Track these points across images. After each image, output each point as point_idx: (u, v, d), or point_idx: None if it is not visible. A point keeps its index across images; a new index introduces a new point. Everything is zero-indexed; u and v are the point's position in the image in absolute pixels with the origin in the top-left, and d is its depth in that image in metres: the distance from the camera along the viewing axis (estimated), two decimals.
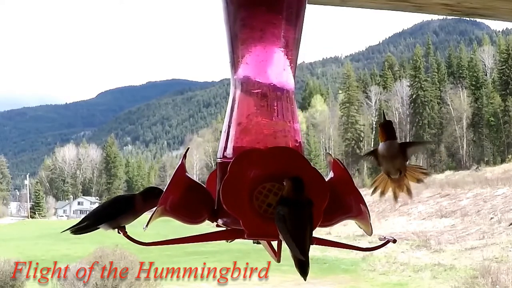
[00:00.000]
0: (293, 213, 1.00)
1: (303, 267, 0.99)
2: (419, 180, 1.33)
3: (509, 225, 35.83)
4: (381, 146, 1.28)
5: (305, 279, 1.00)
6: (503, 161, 69.14)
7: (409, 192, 1.32)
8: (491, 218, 39.34)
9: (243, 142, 1.18)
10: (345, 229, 34.04)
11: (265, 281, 28.89)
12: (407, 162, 1.31)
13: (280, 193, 1.07)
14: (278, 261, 1.11)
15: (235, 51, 1.22)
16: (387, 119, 1.30)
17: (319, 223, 1.09)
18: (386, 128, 1.28)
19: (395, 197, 1.34)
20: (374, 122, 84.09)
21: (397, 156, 1.27)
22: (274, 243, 1.14)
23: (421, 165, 1.36)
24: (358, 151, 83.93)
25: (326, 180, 1.15)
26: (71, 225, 1.26)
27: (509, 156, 69.79)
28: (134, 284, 21.10)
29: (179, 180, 1.15)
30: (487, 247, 32.04)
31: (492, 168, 64.98)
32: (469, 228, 38.49)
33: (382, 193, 1.34)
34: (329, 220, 1.15)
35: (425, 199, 52.02)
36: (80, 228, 1.22)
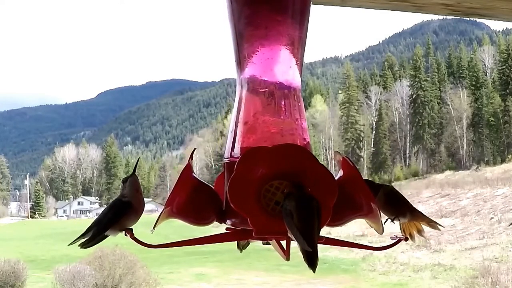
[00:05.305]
0: (300, 207, 1.00)
1: (311, 259, 0.97)
2: (419, 231, 1.30)
3: (509, 225, 35.81)
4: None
5: (314, 271, 0.97)
6: (503, 161, 69.11)
7: (420, 233, 1.30)
8: (491, 218, 39.34)
9: (249, 141, 1.17)
10: (345, 229, 34.03)
11: (265, 281, 28.92)
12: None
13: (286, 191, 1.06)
14: (287, 259, 1.10)
15: (240, 49, 1.21)
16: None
17: (329, 221, 1.08)
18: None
19: (411, 238, 1.31)
20: (374, 122, 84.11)
21: (384, 208, 1.24)
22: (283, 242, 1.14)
23: (427, 216, 1.30)
24: (358, 151, 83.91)
25: (336, 178, 1.13)
26: (77, 237, 1.23)
27: (509, 156, 69.76)
28: (134, 284, 21.11)
29: (185, 181, 1.14)
30: (487, 247, 32.05)
31: (492, 168, 64.99)
32: (469, 228, 38.50)
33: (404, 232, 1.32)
34: (339, 219, 1.14)
35: (425, 199, 52.04)
36: (89, 240, 1.21)
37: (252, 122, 1.18)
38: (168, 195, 1.12)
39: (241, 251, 1.30)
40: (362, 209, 1.13)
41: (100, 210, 1.32)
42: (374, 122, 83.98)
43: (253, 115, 1.19)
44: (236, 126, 1.19)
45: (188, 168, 1.14)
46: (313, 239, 0.98)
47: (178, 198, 1.13)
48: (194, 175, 1.17)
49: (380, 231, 1.12)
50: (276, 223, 1.04)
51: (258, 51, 1.20)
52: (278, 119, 1.18)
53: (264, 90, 1.20)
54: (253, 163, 1.07)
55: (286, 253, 1.10)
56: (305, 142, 1.18)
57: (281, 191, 1.07)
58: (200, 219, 1.17)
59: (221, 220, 1.17)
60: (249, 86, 1.21)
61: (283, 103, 1.20)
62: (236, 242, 1.26)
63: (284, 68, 1.21)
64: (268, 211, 1.06)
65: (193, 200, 1.14)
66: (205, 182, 1.19)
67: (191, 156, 1.17)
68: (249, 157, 1.09)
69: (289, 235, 1.02)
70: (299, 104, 1.21)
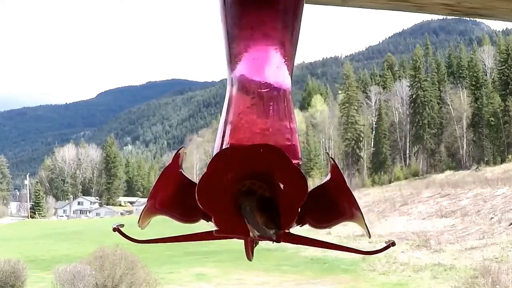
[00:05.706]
0: (256, 202, 1.01)
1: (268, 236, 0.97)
2: None
3: (509, 225, 35.82)
4: None
5: (276, 241, 0.99)
6: (503, 161, 69.16)
7: None
8: (491, 218, 39.35)
9: (232, 140, 1.16)
10: (345, 229, 34.05)
11: (265, 281, 28.91)
12: None
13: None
14: (249, 259, 1.10)
15: (230, 49, 1.21)
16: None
17: (316, 224, 1.10)
18: None
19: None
20: (374, 122, 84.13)
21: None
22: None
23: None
24: (358, 151, 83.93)
25: (323, 182, 1.13)
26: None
27: (509, 156, 69.79)
28: (134, 284, 21.11)
29: (169, 176, 1.13)
30: (487, 247, 32.06)
31: (492, 168, 65.05)
32: (469, 228, 38.51)
33: None
34: (325, 221, 1.14)
35: (425, 199, 52.07)
36: None
37: (236, 122, 1.18)
38: (151, 190, 1.12)
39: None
40: (346, 213, 1.12)
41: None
42: (374, 122, 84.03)
43: (238, 115, 1.18)
44: (224, 125, 1.19)
45: (174, 163, 1.13)
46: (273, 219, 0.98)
47: (161, 194, 1.12)
48: (182, 171, 1.17)
49: (367, 235, 1.12)
50: (240, 222, 1.04)
51: (247, 51, 1.19)
52: (264, 119, 1.17)
53: (252, 90, 1.19)
54: (225, 162, 1.07)
55: (248, 253, 1.10)
56: (288, 143, 1.17)
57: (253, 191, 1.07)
58: (185, 216, 1.16)
59: (208, 218, 1.18)
60: (238, 86, 1.20)
61: (271, 103, 1.18)
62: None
63: (273, 69, 1.20)
64: (235, 211, 1.06)
65: (177, 196, 1.14)
66: (192, 179, 1.19)
67: (177, 153, 1.16)
68: (221, 156, 1.09)
69: (250, 231, 1.02)
70: (287, 105, 1.19)
